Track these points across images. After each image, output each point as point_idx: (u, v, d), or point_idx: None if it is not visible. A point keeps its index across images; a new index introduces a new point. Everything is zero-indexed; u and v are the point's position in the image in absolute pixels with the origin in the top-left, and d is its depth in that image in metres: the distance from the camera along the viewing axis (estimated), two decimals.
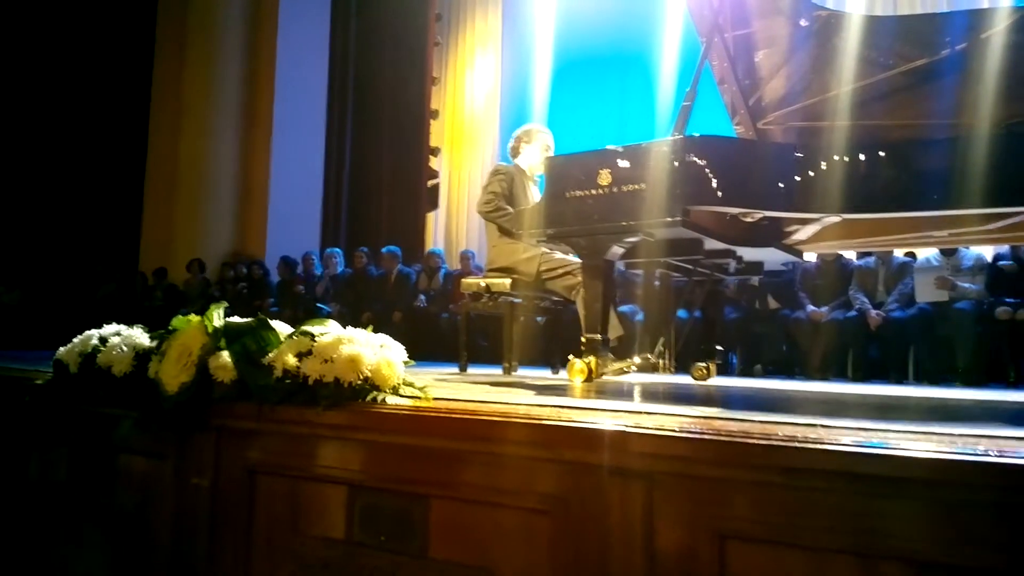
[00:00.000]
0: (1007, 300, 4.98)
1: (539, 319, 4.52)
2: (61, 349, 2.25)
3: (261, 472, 1.81)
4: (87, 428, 2.17)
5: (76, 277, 9.51)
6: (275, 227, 9.46)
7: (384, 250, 7.95)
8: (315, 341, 1.76)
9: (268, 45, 9.67)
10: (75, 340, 2.23)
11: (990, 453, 1.10)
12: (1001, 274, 5.22)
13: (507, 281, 3.83)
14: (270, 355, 1.79)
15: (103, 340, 2.16)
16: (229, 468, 1.85)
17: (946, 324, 5.16)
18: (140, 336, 2.10)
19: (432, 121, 10.21)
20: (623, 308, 5.48)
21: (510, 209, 3.82)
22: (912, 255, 5.71)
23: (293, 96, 9.70)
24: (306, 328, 1.82)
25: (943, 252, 5.36)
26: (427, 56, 10.03)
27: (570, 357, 2.95)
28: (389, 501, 1.61)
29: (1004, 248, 5.32)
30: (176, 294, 8.89)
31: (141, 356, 2.03)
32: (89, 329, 2.25)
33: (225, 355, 1.83)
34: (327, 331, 1.80)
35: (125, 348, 2.06)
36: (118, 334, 2.15)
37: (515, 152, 4.13)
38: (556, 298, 3.85)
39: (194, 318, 1.95)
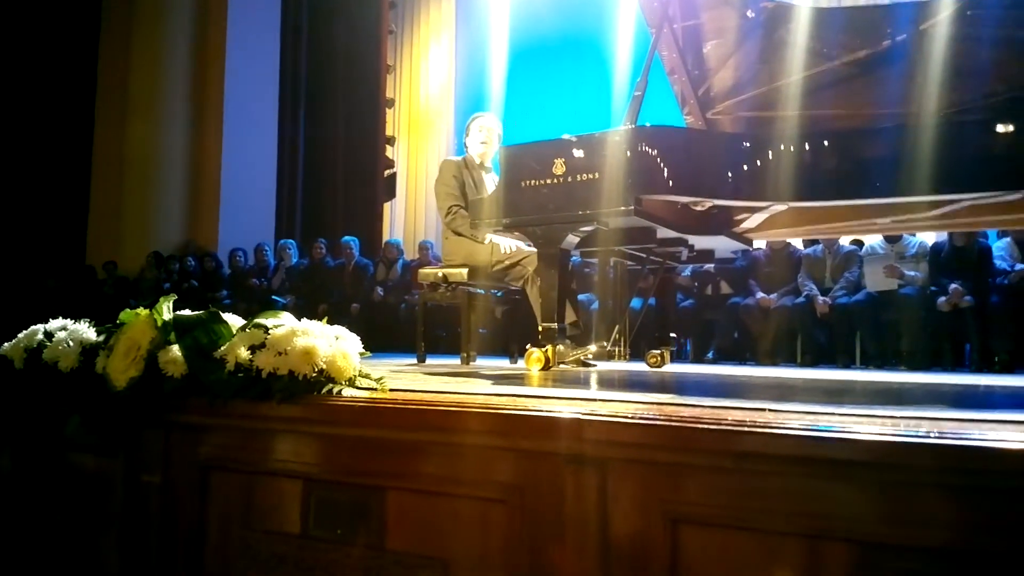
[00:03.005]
0: (948, 283, 5.13)
1: (497, 309, 4.52)
2: (5, 344, 2.19)
3: (214, 468, 1.79)
4: (34, 425, 2.12)
5: (22, 271, 9.22)
6: (227, 218, 9.28)
7: (342, 240, 7.88)
8: (268, 334, 1.74)
9: (217, 31, 9.45)
10: (20, 335, 2.18)
11: (931, 435, 1.13)
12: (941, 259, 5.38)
13: (464, 271, 3.83)
14: (222, 348, 1.77)
15: (49, 335, 2.10)
16: (181, 464, 1.82)
17: (891, 310, 5.30)
18: (87, 331, 2.06)
19: (388, 110, 10.12)
20: (579, 297, 5.51)
21: (466, 213, 3.81)
22: (858, 243, 5.85)
23: (244, 84, 9.50)
24: (259, 320, 1.80)
25: (887, 239, 5.51)
26: (381, 44, 9.92)
27: (528, 346, 2.97)
28: (345, 494, 1.61)
29: (943, 235, 5.49)
30: (127, 287, 8.68)
31: (88, 351, 1.98)
32: (35, 324, 2.19)
33: (175, 349, 1.80)
34: (281, 323, 1.78)
35: (71, 343, 2.01)
36: (64, 328, 2.10)
37: (465, 146, 4.18)
38: (514, 287, 3.87)
39: (142, 311, 1.91)
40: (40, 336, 2.12)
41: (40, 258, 9.58)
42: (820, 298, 5.53)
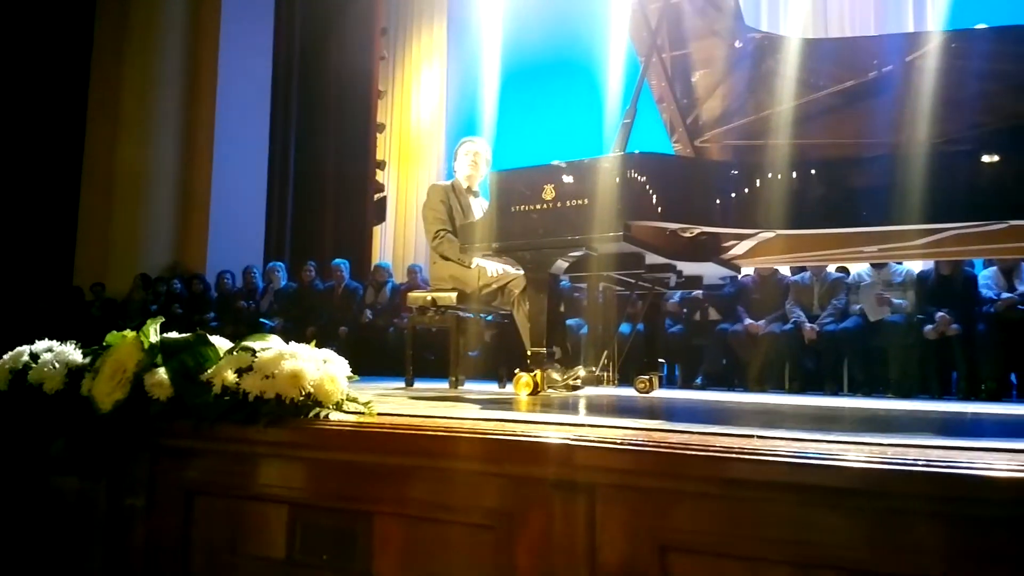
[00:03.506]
0: (935, 311, 5.16)
1: (486, 332, 4.52)
2: None
3: (199, 492, 1.77)
4: (18, 448, 2.09)
5: (8, 291, 9.14)
6: (216, 240, 9.25)
7: (333, 263, 7.88)
8: (256, 357, 1.73)
9: (209, 54, 9.48)
10: (5, 356, 2.16)
11: (919, 462, 1.13)
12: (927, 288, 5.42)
13: (453, 295, 3.82)
14: (209, 371, 1.76)
15: (34, 356, 2.09)
16: (165, 488, 1.80)
17: (878, 337, 5.33)
18: (73, 352, 2.04)
19: (378, 135, 10.17)
20: (568, 322, 5.52)
21: (453, 238, 3.82)
22: (845, 270, 5.90)
23: (235, 106, 9.52)
24: (247, 343, 1.79)
25: (874, 266, 5.55)
26: (373, 70, 9.99)
27: (516, 371, 2.96)
28: (332, 519, 1.59)
29: (929, 264, 5.54)
30: (115, 309, 8.62)
31: (74, 373, 1.97)
32: (21, 345, 2.17)
33: (161, 372, 1.79)
34: (268, 346, 1.77)
35: (57, 365, 2.00)
36: (50, 350, 2.08)
37: (454, 170, 4.20)
38: (503, 311, 3.87)
39: (129, 334, 1.90)
40: (25, 357, 2.11)
41: (27, 279, 9.49)
42: (808, 325, 5.56)
